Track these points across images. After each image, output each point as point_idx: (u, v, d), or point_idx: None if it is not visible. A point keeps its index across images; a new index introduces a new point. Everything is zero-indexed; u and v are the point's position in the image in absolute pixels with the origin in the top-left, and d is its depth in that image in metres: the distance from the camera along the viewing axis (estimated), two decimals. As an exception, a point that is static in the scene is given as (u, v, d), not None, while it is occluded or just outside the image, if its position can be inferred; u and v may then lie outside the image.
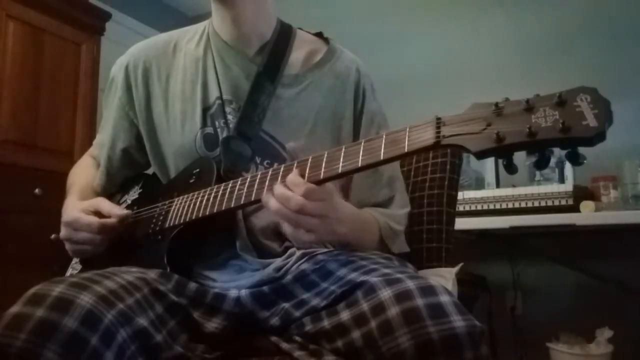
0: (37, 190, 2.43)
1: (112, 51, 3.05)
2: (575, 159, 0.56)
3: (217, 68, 0.97)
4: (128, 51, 1.06)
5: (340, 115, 0.99)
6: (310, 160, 0.74)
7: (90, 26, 2.84)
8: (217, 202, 0.82)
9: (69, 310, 0.61)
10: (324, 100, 0.98)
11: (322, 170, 0.71)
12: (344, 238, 0.81)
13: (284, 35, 1.01)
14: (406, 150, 0.64)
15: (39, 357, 0.57)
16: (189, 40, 1.03)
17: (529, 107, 0.57)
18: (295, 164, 0.75)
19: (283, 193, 0.71)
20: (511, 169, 0.59)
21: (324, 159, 0.72)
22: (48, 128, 2.58)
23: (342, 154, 0.70)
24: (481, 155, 0.58)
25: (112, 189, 1.10)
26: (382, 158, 0.66)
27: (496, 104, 0.59)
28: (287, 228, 0.73)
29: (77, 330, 0.60)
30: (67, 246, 0.95)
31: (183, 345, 0.73)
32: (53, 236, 2.59)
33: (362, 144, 0.69)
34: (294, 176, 0.72)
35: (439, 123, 0.62)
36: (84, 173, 1.11)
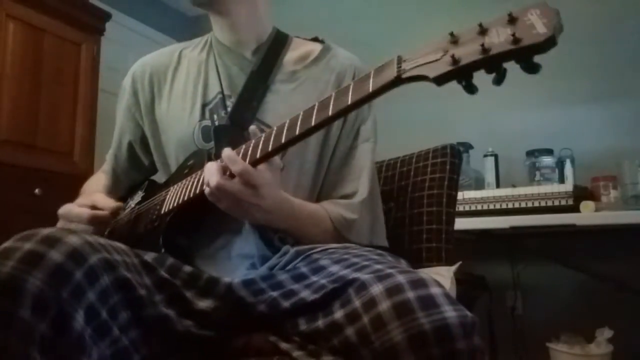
0: (37, 190, 2.43)
1: (112, 51, 3.06)
2: (531, 69, 0.57)
3: (219, 67, 1.03)
4: (136, 62, 1.13)
5: None
6: (287, 122, 0.76)
7: (90, 26, 2.84)
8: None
9: (56, 246, 0.63)
10: (321, 94, 1.00)
11: (298, 127, 0.74)
12: (268, 223, 0.86)
13: (279, 40, 1.06)
14: (371, 89, 0.66)
15: (25, 283, 0.59)
16: (192, 49, 1.10)
17: (483, 30, 0.59)
18: (273, 133, 0.77)
19: (209, 167, 0.78)
20: (471, 89, 0.61)
21: (300, 119, 0.75)
22: (48, 128, 2.58)
23: (315, 109, 0.73)
24: (440, 80, 0.60)
25: (119, 192, 1.13)
26: (349, 102, 0.68)
27: (451, 33, 0.61)
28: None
29: (62, 263, 0.62)
30: None
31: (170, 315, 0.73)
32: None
33: (333, 95, 0.72)
34: (229, 151, 0.78)
35: (399, 60, 0.65)
36: (96, 184, 1.15)
